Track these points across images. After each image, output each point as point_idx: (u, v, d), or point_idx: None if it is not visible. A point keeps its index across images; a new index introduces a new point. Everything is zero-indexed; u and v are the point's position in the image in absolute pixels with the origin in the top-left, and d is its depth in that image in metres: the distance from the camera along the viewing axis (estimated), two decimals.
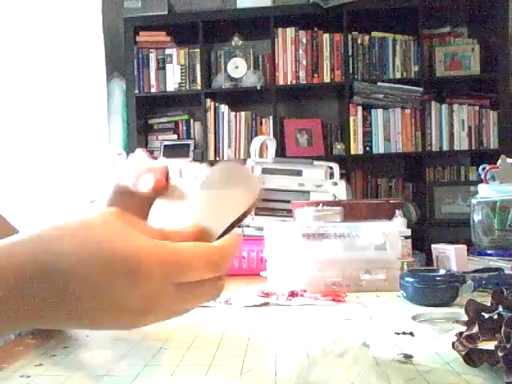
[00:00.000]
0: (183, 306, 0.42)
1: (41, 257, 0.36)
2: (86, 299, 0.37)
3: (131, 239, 0.38)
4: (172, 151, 2.97)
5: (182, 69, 2.96)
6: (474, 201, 1.27)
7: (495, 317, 0.49)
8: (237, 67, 2.93)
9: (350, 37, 2.87)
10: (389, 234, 0.93)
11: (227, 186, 0.50)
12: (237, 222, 0.48)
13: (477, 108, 2.87)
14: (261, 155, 1.76)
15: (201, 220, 0.47)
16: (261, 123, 2.99)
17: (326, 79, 2.91)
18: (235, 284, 0.99)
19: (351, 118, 2.86)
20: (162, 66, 2.97)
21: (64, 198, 2.23)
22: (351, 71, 2.87)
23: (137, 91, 2.95)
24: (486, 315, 0.50)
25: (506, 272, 0.91)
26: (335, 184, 1.60)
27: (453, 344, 0.50)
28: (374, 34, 2.90)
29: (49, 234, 0.38)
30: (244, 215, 0.48)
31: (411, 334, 0.61)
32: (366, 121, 2.88)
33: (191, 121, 3.08)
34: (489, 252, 1.16)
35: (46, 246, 0.37)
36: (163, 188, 0.53)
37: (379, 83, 2.83)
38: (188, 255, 0.39)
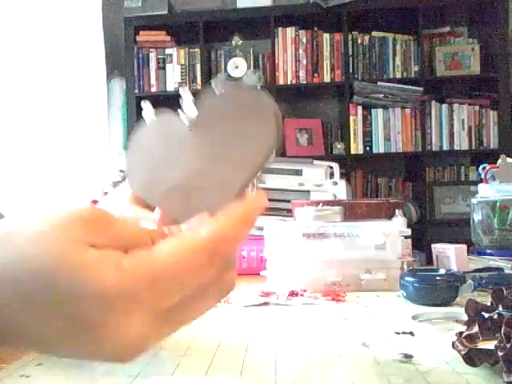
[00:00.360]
0: (180, 325, 0.33)
1: None
2: (22, 333, 0.29)
3: (90, 269, 0.28)
4: None
5: (182, 68, 2.96)
6: (474, 200, 1.27)
7: (495, 316, 0.49)
8: (237, 67, 2.93)
9: (350, 36, 2.87)
10: (389, 234, 0.93)
11: (234, 120, 0.37)
12: (249, 179, 0.36)
13: (477, 108, 2.87)
14: None
15: (196, 176, 0.36)
16: None
17: (326, 79, 2.90)
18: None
19: (351, 118, 2.86)
20: (162, 66, 2.97)
21: (64, 197, 2.23)
22: (351, 71, 2.87)
23: (137, 91, 2.95)
24: (486, 315, 0.50)
25: (506, 271, 0.91)
26: (335, 184, 1.60)
27: (453, 344, 0.50)
28: (374, 33, 2.90)
29: None
30: (259, 167, 0.36)
31: (411, 333, 0.61)
32: (366, 120, 2.88)
33: None
34: (489, 251, 1.16)
35: None
36: None
37: (379, 83, 2.83)
38: (173, 266, 0.29)
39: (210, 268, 0.30)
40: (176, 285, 0.29)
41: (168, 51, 2.97)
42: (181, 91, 0.41)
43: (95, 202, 2.07)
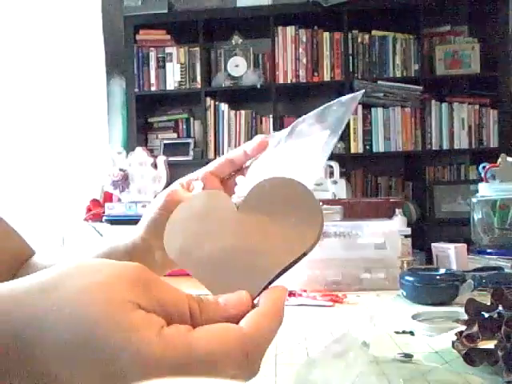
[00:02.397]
0: None
1: (12, 318, 0.28)
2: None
3: (136, 332, 0.28)
4: (172, 150, 2.96)
5: (181, 67, 2.96)
6: (474, 200, 1.27)
7: (495, 316, 0.49)
8: (237, 66, 2.93)
9: (350, 35, 2.86)
10: (389, 233, 0.93)
11: (280, 212, 0.37)
12: (283, 271, 0.36)
13: (477, 107, 2.86)
14: None
15: (236, 253, 0.36)
16: (261, 122, 2.99)
17: (326, 78, 2.90)
18: None
19: (351, 117, 2.86)
20: (161, 65, 2.97)
21: (64, 196, 2.23)
22: (351, 70, 2.87)
23: (137, 90, 2.95)
24: (486, 314, 0.50)
25: (506, 271, 0.91)
26: (335, 183, 1.60)
27: (453, 343, 0.50)
28: (374, 32, 2.90)
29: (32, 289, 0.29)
30: (297, 260, 0.36)
31: (411, 333, 0.61)
32: (366, 119, 2.88)
33: (191, 119, 3.08)
34: (489, 251, 1.16)
35: (23, 305, 0.29)
36: None
37: (379, 82, 2.83)
38: (208, 353, 0.29)
39: (242, 363, 0.30)
40: (206, 371, 0.30)
41: (168, 50, 2.97)
42: (238, 180, 0.47)
43: (96, 201, 2.07)
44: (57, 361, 0.28)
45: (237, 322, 0.32)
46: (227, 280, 0.36)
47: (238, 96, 3.01)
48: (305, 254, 0.36)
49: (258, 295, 0.34)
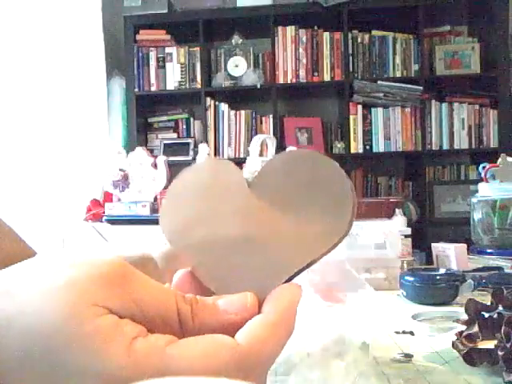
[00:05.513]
0: None
1: None
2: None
3: (101, 345, 0.24)
4: (172, 150, 2.96)
5: (181, 67, 2.96)
6: (474, 200, 1.27)
7: (495, 316, 0.49)
8: (237, 66, 2.93)
9: (350, 35, 2.86)
10: (389, 233, 0.93)
11: (302, 194, 0.30)
12: (301, 270, 0.30)
13: (477, 107, 2.86)
14: (261, 154, 1.75)
15: (245, 241, 0.30)
16: (261, 122, 2.99)
17: (326, 78, 2.90)
18: None
19: (351, 117, 2.86)
20: (161, 65, 2.97)
21: (64, 196, 2.23)
22: (351, 70, 2.87)
23: (137, 90, 2.95)
24: (486, 314, 0.50)
25: (506, 271, 0.91)
26: None
27: (453, 343, 0.50)
28: (374, 32, 2.90)
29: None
30: (320, 257, 0.30)
31: (411, 333, 0.61)
32: (366, 119, 2.88)
33: (191, 119, 3.08)
34: (489, 251, 1.16)
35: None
36: None
37: (379, 82, 2.83)
38: (193, 369, 0.24)
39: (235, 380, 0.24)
40: None
41: (168, 50, 2.97)
42: (252, 145, 0.37)
43: (96, 201, 2.07)
44: (14, 376, 0.25)
45: (236, 330, 0.27)
46: (231, 275, 0.30)
47: (238, 96, 3.01)
48: (329, 251, 0.30)
49: None
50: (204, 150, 0.37)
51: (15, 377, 0.25)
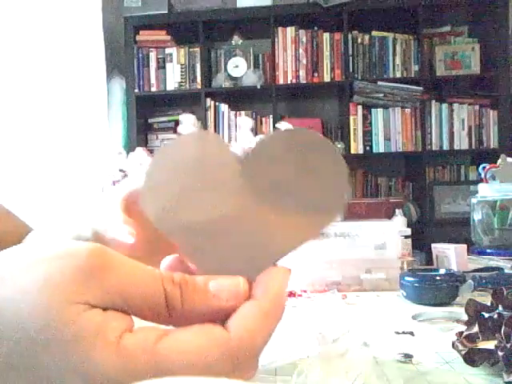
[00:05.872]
0: None
1: None
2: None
3: (88, 345, 0.23)
4: None
5: (182, 68, 2.96)
6: (473, 200, 1.27)
7: (495, 316, 0.49)
8: (237, 66, 2.93)
9: (350, 36, 2.86)
10: (389, 234, 0.93)
11: (296, 174, 0.29)
12: (300, 246, 0.29)
13: (477, 107, 2.86)
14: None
15: (235, 222, 0.28)
16: (261, 122, 2.99)
17: (326, 78, 2.90)
18: None
19: (351, 118, 2.86)
20: (162, 65, 2.97)
21: (64, 196, 2.23)
22: (351, 70, 2.87)
23: (137, 90, 2.95)
24: (486, 315, 0.50)
25: (506, 271, 0.91)
26: None
27: (453, 343, 0.50)
28: (374, 33, 2.90)
29: None
30: (317, 233, 0.29)
31: (411, 333, 0.61)
32: (366, 120, 2.88)
33: None
34: (489, 251, 1.16)
35: None
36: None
37: (379, 82, 2.83)
38: (184, 370, 0.24)
39: (230, 374, 0.24)
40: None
41: (168, 51, 2.97)
42: (240, 120, 0.35)
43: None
44: None
45: (226, 314, 0.26)
46: (220, 257, 0.28)
47: (238, 97, 3.01)
48: (316, 237, 0.29)
49: None
50: (188, 119, 0.33)
51: None
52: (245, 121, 0.30)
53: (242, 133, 0.31)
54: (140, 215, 0.31)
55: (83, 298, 0.23)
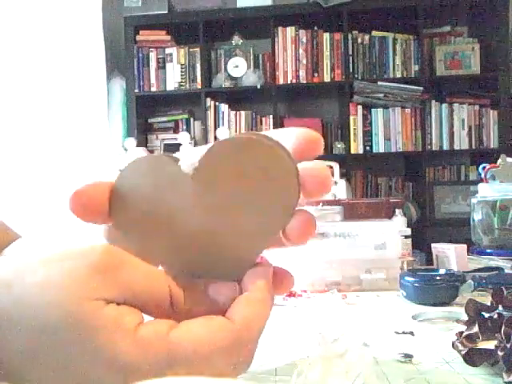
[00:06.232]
0: None
1: None
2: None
3: (109, 337, 0.25)
4: (172, 150, 2.96)
5: (182, 68, 2.96)
6: (474, 200, 1.27)
7: (495, 316, 0.49)
8: (237, 66, 2.93)
9: (350, 36, 2.86)
10: (389, 234, 0.93)
11: (247, 179, 0.30)
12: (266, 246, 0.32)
13: (477, 107, 2.87)
14: None
15: (203, 234, 0.30)
16: (261, 122, 2.99)
17: (326, 78, 2.90)
18: None
19: (351, 118, 2.86)
20: (162, 65, 2.97)
21: (64, 196, 2.23)
22: (351, 70, 2.87)
23: (137, 90, 2.95)
24: (486, 315, 0.50)
25: (506, 271, 0.91)
26: (335, 183, 1.60)
27: (453, 343, 0.50)
28: (374, 33, 2.90)
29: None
30: (277, 231, 0.31)
31: (411, 333, 0.61)
32: (366, 120, 2.88)
33: (191, 120, 3.08)
34: (489, 251, 1.16)
35: None
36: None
37: (379, 82, 2.83)
38: (197, 356, 0.26)
39: (236, 360, 0.27)
40: (196, 371, 0.26)
41: (168, 51, 2.97)
42: (180, 136, 0.37)
43: None
44: (21, 364, 0.25)
45: (221, 310, 0.29)
46: (200, 268, 0.31)
47: (238, 96, 3.01)
48: (283, 225, 0.31)
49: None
50: (131, 143, 0.33)
51: (25, 371, 0.25)
52: (182, 136, 0.30)
53: (183, 149, 0.31)
54: None
55: (101, 294, 0.26)
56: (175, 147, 3.00)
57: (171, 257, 0.31)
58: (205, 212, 0.30)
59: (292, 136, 0.31)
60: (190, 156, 0.31)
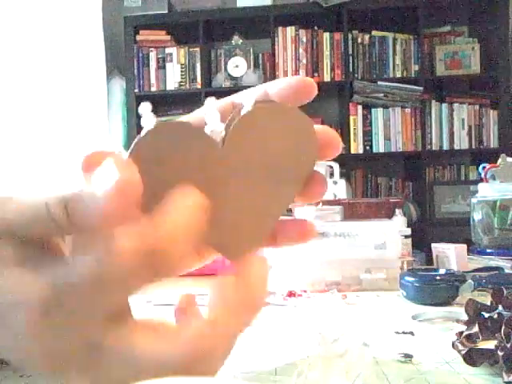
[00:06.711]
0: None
1: None
2: None
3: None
4: None
5: (182, 68, 2.96)
6: (474, 200, 1.27)
7: (495, 316, 0.49)
8: (237, 66, 2.93)
9: (350, 36, 2.87)
10: (389, 233, 0.93)
11: (271, 141, 0.29)
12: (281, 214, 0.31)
13: (477, 107, 2.87)
14: None
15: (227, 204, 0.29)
16: None
17: (326, 78, 2.90)
18: None
19: (351, 117, 2.86)
20: (162, 65, 2.97)
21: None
22: (351, 70, 2.87)
23: (137, 90, 2.95)
24: (486, 315, 0.50)
25: (506, 271, 0.91)
26: (335, 183, 1.60)
27: (453, 343, 0.50)
28: (374, 32, 2.90)
29: None
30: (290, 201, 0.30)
31: (411, 333, 0.61)
32: (366, 120, 2.88)
33: None
34: (489, 251, 1.16)
35: None
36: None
37: (379, 82, 2.83)
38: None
39: (191, 371, 0.23)
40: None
41: (168, 50, 2.97)
42: (207, 102, 0.35)
43: None
44: None
45: (121, 219, 0.23)
46: (221, 229, 0.29)
47: None
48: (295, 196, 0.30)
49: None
50: (146, 108, 0.29)
51: None
52: (209, 101, 0.28)
53: (210, 114, 0.29)
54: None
55: None
56: None
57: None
58: (227, 185, 0.29)
59: (285, 83, 0.30)
60: (212, 124, 0.30)
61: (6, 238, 0.25)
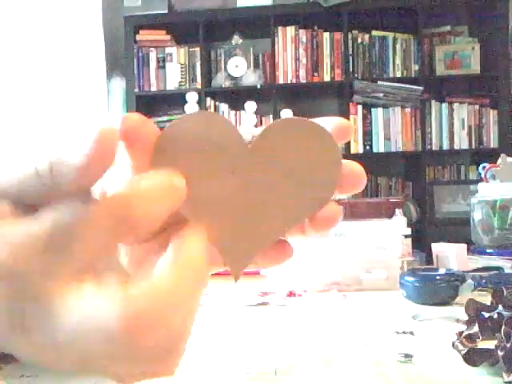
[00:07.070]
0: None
1: None
2: None
3: None
4: None
5: (182, 68, 2.96)
6: (474, 200, 1.27)
7: (495, 316, 0.49)
8: (237, 66, 2.93)
9: (350, 36, 2.87)
10: (389, 233, 0.93)
11: (295, 162, 0.30)
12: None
13: (477, 107, 2.87)
14: None
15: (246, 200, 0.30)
16: (261, 122, 2.99)
17: (326, 78, 2.90)
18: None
19: (351, 117, 2.86)
20: (162, 65, 2.97)
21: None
22: (351, 70, 2.87)
23: (137, 90, 2.95)
24: (486, 314, 0.50)
25: (506, 271, 0.91)
26: None
27: (453, 343, 0.50)
28: (374, 32, 2.90)
29: None
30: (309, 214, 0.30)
31: (411, 333, 0.61)
32: (366, 120, 2.88)
33: None
34: (489, 251, 1.16)
35: None
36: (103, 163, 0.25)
37: (379, 82, 2.83)
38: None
39: (127, 355, 0.21)
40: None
41: (168, 50, 2.97)
42: (247, 106, 0.35)
43: None
44: None
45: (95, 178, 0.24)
46: (230, 235, 0.30)
47: (238, 96, 3.01)
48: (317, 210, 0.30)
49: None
50: (193, 97, 0.30)
51: None
52: (249, 105, 0.28)
53: (247, 116, 0.29)
54: None
55: None
56: None
57: (207, 216, 0.30)
58: (255, 179, 0.30)
59: (329, 123, 0.31)
60: (249, 125, 0.31)
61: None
